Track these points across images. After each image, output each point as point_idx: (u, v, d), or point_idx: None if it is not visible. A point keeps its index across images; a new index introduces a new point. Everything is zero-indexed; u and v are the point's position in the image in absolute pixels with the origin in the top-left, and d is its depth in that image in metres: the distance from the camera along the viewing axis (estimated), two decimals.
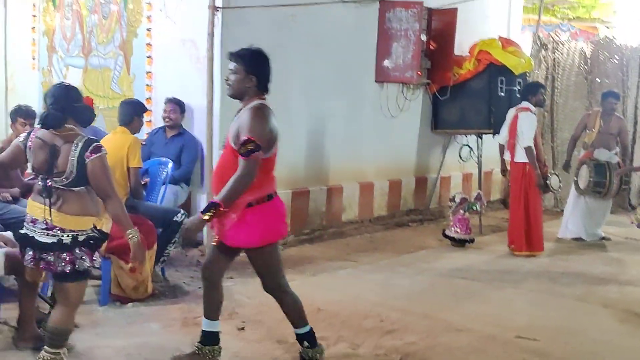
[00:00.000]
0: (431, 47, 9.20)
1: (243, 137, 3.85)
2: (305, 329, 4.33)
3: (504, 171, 8.37)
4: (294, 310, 4.29)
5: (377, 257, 7.46)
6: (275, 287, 4.24)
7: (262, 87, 4.08)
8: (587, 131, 8.70)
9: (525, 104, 7.91)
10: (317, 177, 8.23)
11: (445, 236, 8.17)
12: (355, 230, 8.55)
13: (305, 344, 4.34)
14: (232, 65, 4.07)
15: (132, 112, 6.03)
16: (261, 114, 3.94)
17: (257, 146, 3.83)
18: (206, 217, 3.84)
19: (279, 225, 4.16)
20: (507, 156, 8.03)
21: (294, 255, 7.31)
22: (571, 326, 5.58)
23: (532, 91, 7.95)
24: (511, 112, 8.02)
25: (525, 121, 7.73)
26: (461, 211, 8.12)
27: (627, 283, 6.87)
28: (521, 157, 7.80)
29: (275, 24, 7.43)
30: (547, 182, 7.86)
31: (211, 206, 3.83)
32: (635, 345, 5.26)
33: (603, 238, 8.75)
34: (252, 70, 4.02)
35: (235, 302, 5.55)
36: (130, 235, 3.95)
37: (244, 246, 4.13)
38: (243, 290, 5.87)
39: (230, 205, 3.88)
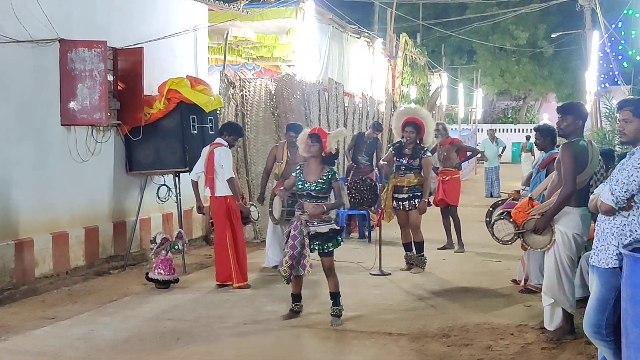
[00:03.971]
0: (119, 87, 8.98)
1: None
2: None
3: (200, 208, 8.44)
4: None
5: (78, 310, 6.99)
6: None
7: None
8: (277, 163, 9.13)
9: (219, 140, 8.12)
10: (3, 231, 7.50)
11: (149, 279, 7.94)
12: (51, 285, 7.94)
13: None
14: None
15: None
16: None
17: None
18: None
19: None
20: (207, 192, 8.09)
21: None
22: (278, 352, 5.74)
23: (229, 131, 8.20)
24: (206, 149, 8.14)
25: (223, 155, 7.93)
26: (163, 252, 7.97)
27: (325, 302, 7.24)
28: (221, 191, 7.93)
29: None
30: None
31: None
32: (339, 359, 5.57)
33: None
34: None
35: None
36: None
37: None
38: None
39: None
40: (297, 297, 6.73)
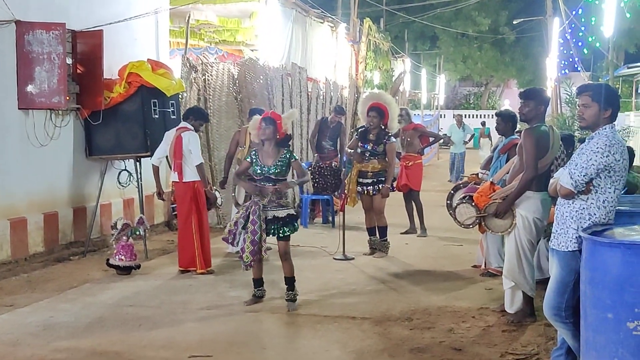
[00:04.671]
0: (79, 71, 8.82)
1: None
2: None
3: (160, 194, 8.35)
4: None
5: (37, 298, 6.87)
6: None
7: None
8: (240, 147, 9.06)
9: (184, 123, 8.03)
10: None
11: (110, 265, 7.85)
12: (9, 271, 7.79)
13: None
14: None
15: None
16: None
17: None
18: None
19: None
20: (174, 177, 7.98)
21: None
22: (242, 337, 5.73)
23: (196, 116, 8.10)
24: (172, 133, 8.03)
25: (192, 140, 7.86)
26: (124, 237, 7.88)
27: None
28: (190, 176, 7.86)
29: None
30: None
31: None
32: (300, 344, 5.59)
33: (268, 248, 9.14)
34: None
35: None
36: None
37: None
38: None
39: None
40: (258, 282, 6.72)
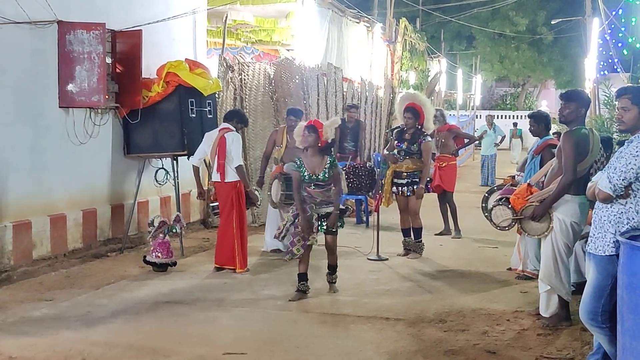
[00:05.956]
0: (118, 70, 8.94)
1: None
2: None
3: (201, 194, 8.42)
4: None
5: (75, 293, 7.01)
6: None
7: None
8: (277, 147, 9.12)
9: (226, 124, 8.09)
10: (0, 213, 7.50)
11: (147, 262, 7.95)
12: (49, 267, 7.95)
13: None
14: None
15: None
16: None
17: None
18: None
19: None
20: (216, 177, 8.04)
21: None
22: (275, 336, 5.76)
23: (239, 119, 8.21)
24: (213, 134, 8.09)
25: (235, 141, 7.94)
26: (161, 235, 7.98)
27: (322, 288, 7.25)
28: (232, 176, 7.94)
29: None
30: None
31: None
32: (334, 344, 5.59)
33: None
34: None
35: None
36: None
37: None
38: None
39: None
40: (303, 277, 6.92)
